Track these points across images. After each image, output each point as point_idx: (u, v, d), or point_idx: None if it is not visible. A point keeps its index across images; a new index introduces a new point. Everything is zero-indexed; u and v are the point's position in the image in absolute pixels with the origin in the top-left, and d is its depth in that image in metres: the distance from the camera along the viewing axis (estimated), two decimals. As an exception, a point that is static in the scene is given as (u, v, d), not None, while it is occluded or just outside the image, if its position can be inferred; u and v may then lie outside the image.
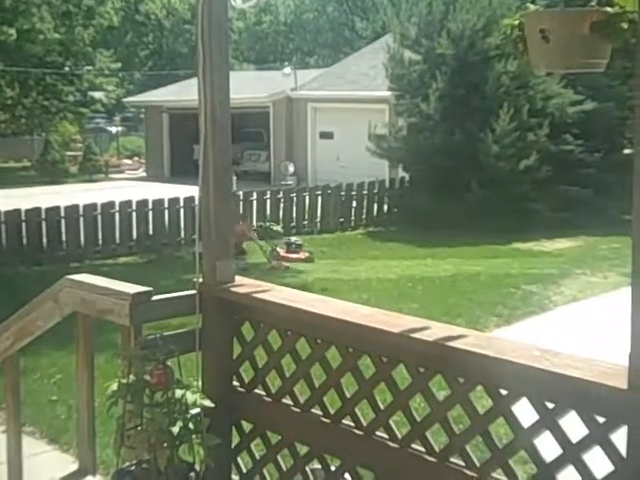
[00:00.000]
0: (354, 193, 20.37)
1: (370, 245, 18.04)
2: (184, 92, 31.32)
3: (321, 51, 50.45)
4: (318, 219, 19.70)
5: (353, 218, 20.35)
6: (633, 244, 2.38)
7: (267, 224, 17.85)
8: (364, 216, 20.55)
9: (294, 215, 19.33)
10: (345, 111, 27.34)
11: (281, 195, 19.23)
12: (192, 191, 18.27)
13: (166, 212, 17.25)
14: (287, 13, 52.46)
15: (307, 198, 19.63)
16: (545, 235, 17.37)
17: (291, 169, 27.99)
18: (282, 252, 15.65)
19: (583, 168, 19.31)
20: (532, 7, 2.43)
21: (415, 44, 19.79)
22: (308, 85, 29.37)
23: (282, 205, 19.12)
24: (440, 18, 19.29)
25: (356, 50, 37.46)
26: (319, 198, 19.79)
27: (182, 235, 17.20)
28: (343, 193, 20.19)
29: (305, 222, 19.48)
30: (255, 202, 18.55)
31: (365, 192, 20.56)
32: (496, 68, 18.52)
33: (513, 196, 17.93)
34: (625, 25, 2.36)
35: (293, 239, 16.45)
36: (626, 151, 23.09)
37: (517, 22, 2.49)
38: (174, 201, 17.36)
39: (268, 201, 18.91)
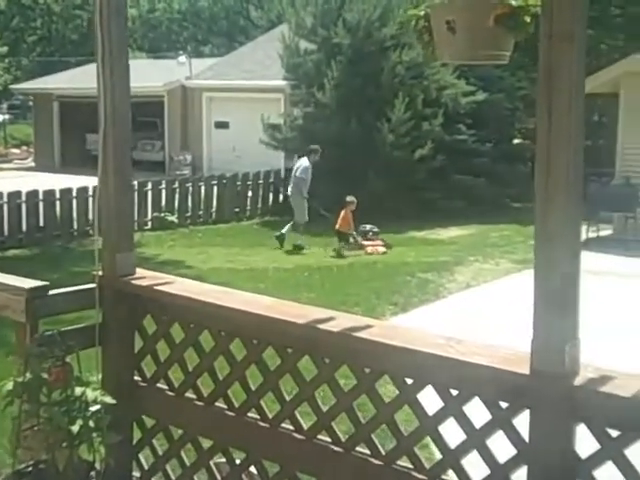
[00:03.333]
0: (250, 183, 20.31)
1: (266, 234, 17.98)
2: (76, 80, 30.54)
3: (216, 40, 49.91)
4: (214, 209, 19.55)
5: (249, 208, 20.28)
6: (535, 235, 2.43)
7: (162, 214, 17.58)
8: (260, 206, 20.50)
9: (190, 205, 19.12)
10: (240, 100, 27.18)
11: (176, 185, 18.99)
12: (85, 181, 17.84)
13: (57, 203, 16.77)
14: (181, 1, 51.73)
15: (203, 188, 19.45)
16: (440, 223, 17.67)
17: (189, 159, 27.66)
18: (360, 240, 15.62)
19: (476, 157, 19.74)
20: (437, -2, 2.44)
21: (311, 33, 19.78)
22: (203, 74, 29.05)
23: (177, 195, 18.89)
24: (336, 7, 19.34)
25: (251, 39, 37.23)
26: (215, 188, 19.63)
27: (75, 227, 16.77)
28: (239, 183, 20.09)
29: (201, 212, 19.30)
30: (150, 192, 18.24)
31: (261, 182, 20.52)
32: (392, 58, 18.70)
33: (409, 185, 18.16)
34: (528, 18, 2.40)
35: (368, 227, 16.11)
36: (515, 141, 23.80)
37: (423, 13, 2.50)
38: (66, 192, 16.90)
39: (163, 191, 18.65)
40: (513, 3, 2.40)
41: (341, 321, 3.01)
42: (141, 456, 3.72)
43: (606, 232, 16.30)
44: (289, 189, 16.46)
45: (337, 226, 15.53)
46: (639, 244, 15.37)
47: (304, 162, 16.11)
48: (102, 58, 3.40)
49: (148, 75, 29.00)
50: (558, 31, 2.28)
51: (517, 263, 14.19)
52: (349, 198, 15.72)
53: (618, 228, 16.28)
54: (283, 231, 15.95)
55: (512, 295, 11.74)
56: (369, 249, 15.30)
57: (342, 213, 15.61)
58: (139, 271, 3.64)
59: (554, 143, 2.33)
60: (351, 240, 15.47)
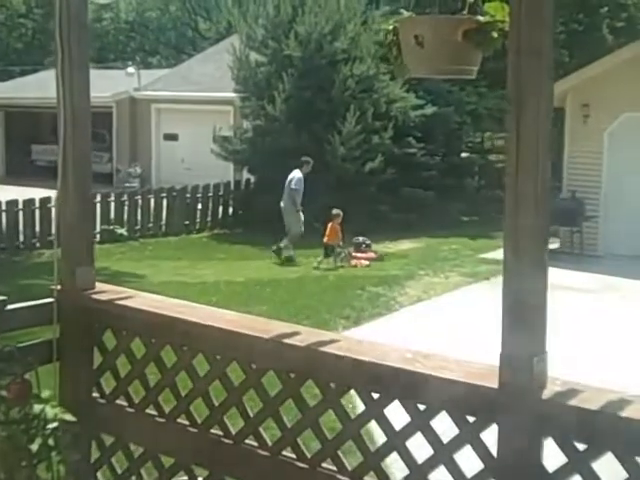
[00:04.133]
0: (199, 195, 20.22)
1: (216, 247, 17.93)
2: (22, 89, 30.14)
3: (164, 51, 49.54)
4: (163, 221, 19.42)
5: (199, 220, 20.18)
6: (504, 249, 2.44)
7: (111, 227, 17.39)
8: (209, 218, 20.41)
9: (139, 217, 18.96)
10: (190, 112, 27.05)
11: (125, 197, 18.82)
12: (30, 193, 17.60)
13: (3, 215, 16.49)
14: (129, 11, 51.21)
15: (152, 200, 19.30)
16: (390, 236, 17.75)
17: (138, 171, 27.42)
18: (352, 252, 15.67)
19: (425, 171, 19.91)
20: (406, 13, 2.45)
21: (262, 46, 19.78)
22: (152, 85, 28.84)
23: (127, 208, 18.71)
24: (288, 20, 19.37)
25: (199, 51, 37.08)
26: (164, 200, 19.51)
27: (21, 239, 16.51)
28: (188, 195, 19.99)
29: (150, 225, 19.15)
30: (99, 205, 18.02)
31: (210, 194, 20.44)
32: (342, 71, 18.79)
33: (359, 198, 18.22)
34: (495, 34, 2.42)
35: (361, 239, 16.22)
36: (463, 155, 24.08)
37: (391, 27, 2.51)
38: (12, 203, 16.63)
39: (112, 203, 18.45)
40: (481, 19, 2.42)
41: (306, 336, 2.99)
42: (99, 475, 3.64)
43: (553, 245, 16.55)
44: (282, 201, 16.26)
45: (325, 239, 15.47)
46: (585, 257, 15.64)
47: (297, 174, 16.06)
48: (62, 68, 3.35)
49: (96, 85, 28.60)
50: (526, 47, 2.31)
51: (466, 277, 14.32)
52: (335, 211, 15.75)
53: (564, 242, 16.53)
54: (281, 245, 15.86)
55: (463, 309, 11.85)
56: (353, 262, 15.34)
57: (329, 226, 15.59)
58: (99, 285, 3.58)
59: (522, 157, 2.35)
60: (343, 254, 15.47)
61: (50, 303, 3.48)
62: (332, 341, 2.92)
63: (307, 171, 16.20)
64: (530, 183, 2.36)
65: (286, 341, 2.93)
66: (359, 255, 15.72)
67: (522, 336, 2.43)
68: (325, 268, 15.02)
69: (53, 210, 17.08)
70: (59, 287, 3.50)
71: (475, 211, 21.65)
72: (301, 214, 15.99)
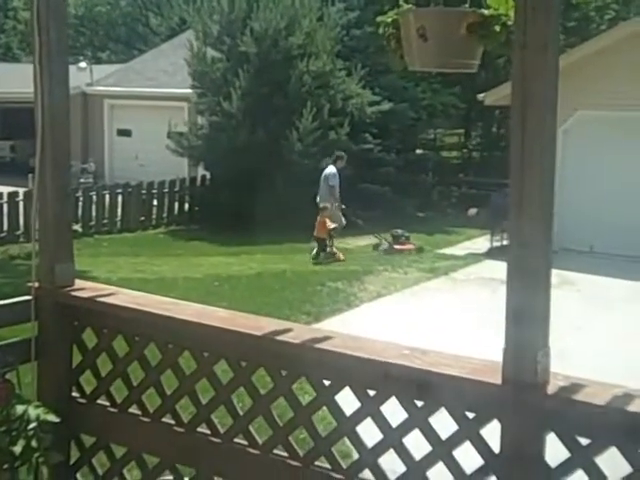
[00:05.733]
0: (155, 192, 20.05)
1: (172, 244, 17.79)
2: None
3: (114, 46, 48.92)
4: (118, 218, 19.20)
5: (154, 217, 20.01)
6: (509, 245, 2.42)
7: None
8: (165, 215, 20.27)
9: (93, 214, 18.72)
10: (144, 108, 26.73)
11: (80, 194, 18.54)
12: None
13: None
14: (78, 5, 50.42)
15: (107, 197, 19.07)
16: (348, 232, 17.73)
17: (93, 166, 27.00)
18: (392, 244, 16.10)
19: (382, 167, 19.95)
20: (405, 5, 2.41)
21: (218, 42, 19.66)
22: (105, 81, 28.44)
23: (81, 204, 18.43)
24: (243, 16, 19.26)
25: (150, 46, 36.68)
26: (119, 197, 19.29)
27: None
28: (144, 192, 19.80)
29: (105, 221, 18.91)
30: (52, 201, 17.74)
31: (166, 191, 20.29)
32: (299, 67, 18.74)
33: (315, 194, 18.19)
34: (498, 28, 2.39)
35: (400, 231, 16.47)
36: (418, 151, 24.21)
37: (391, 20, 2.46)
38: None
39: (66, 199, 18.18)
40: (485, 12, 2.40)
41: (299, 332, 2.95)
42: (79, 476, 3.56)
43: (508, 242, 16.66)
44: (318, 198, 16.15)
45: (315, 233, 15.55)
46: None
47: (331, 169, 16.02)
48: (40, 61, 3.26)
49: (46, 80, 28.18)
50: (532, 41, 2.28)
51: (425, 272, 14.38)
52: (322, 205, 15.83)
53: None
54: (316, 254, 15.76)
55: (424, 304, 11.91)
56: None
57: (318, 219, 15.59)
58: (79, 282, 3.48)
59: (528, 153, 2.33)
60: (384, 246, 16.09)
61: (27, 301, 3.38)
62: (326, 338, 2.87)
63: (341, 166, 16.22)
64: (536, 179, 2.34)
65: (279, 338, 2.88)
66: (398, 247, 16.10)
67: (526, 331, 2.41)
68: (326, 262, 15.28)
69: (5, 207, 16.80)
70: (37, 284, 3.40)
71: (430, 207, 21.78)
72: (339, 207, 16.04)
